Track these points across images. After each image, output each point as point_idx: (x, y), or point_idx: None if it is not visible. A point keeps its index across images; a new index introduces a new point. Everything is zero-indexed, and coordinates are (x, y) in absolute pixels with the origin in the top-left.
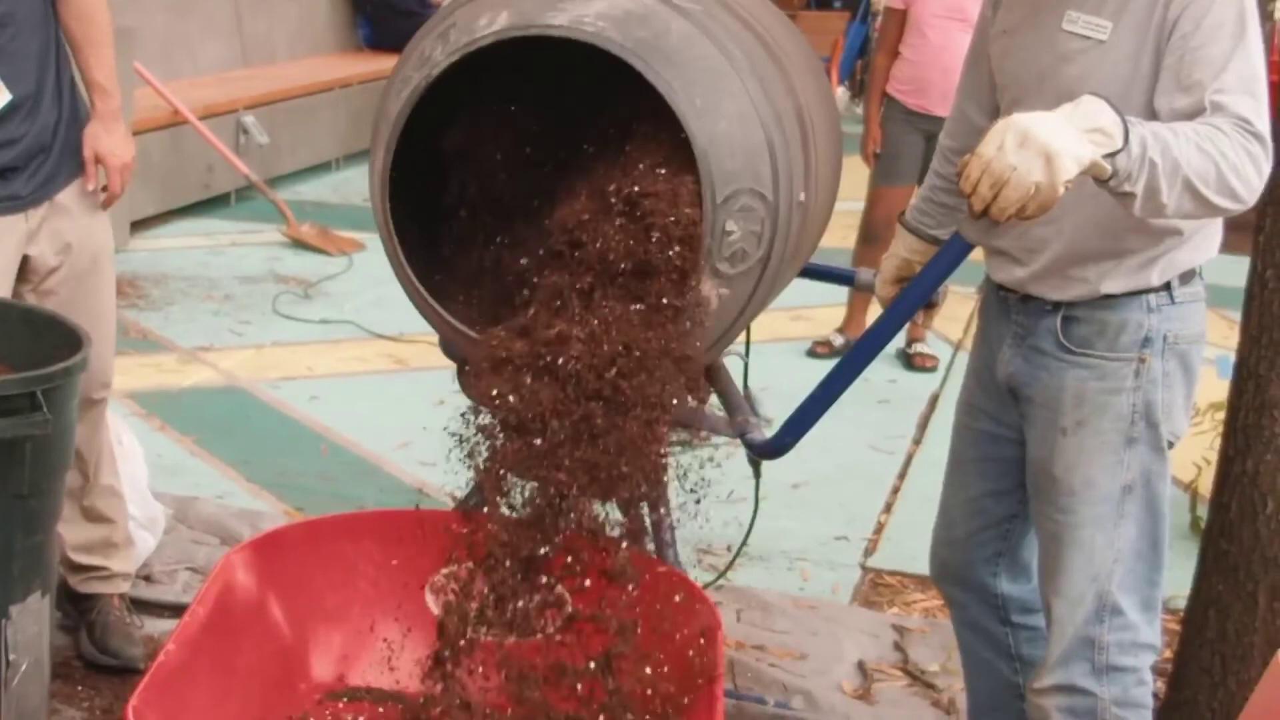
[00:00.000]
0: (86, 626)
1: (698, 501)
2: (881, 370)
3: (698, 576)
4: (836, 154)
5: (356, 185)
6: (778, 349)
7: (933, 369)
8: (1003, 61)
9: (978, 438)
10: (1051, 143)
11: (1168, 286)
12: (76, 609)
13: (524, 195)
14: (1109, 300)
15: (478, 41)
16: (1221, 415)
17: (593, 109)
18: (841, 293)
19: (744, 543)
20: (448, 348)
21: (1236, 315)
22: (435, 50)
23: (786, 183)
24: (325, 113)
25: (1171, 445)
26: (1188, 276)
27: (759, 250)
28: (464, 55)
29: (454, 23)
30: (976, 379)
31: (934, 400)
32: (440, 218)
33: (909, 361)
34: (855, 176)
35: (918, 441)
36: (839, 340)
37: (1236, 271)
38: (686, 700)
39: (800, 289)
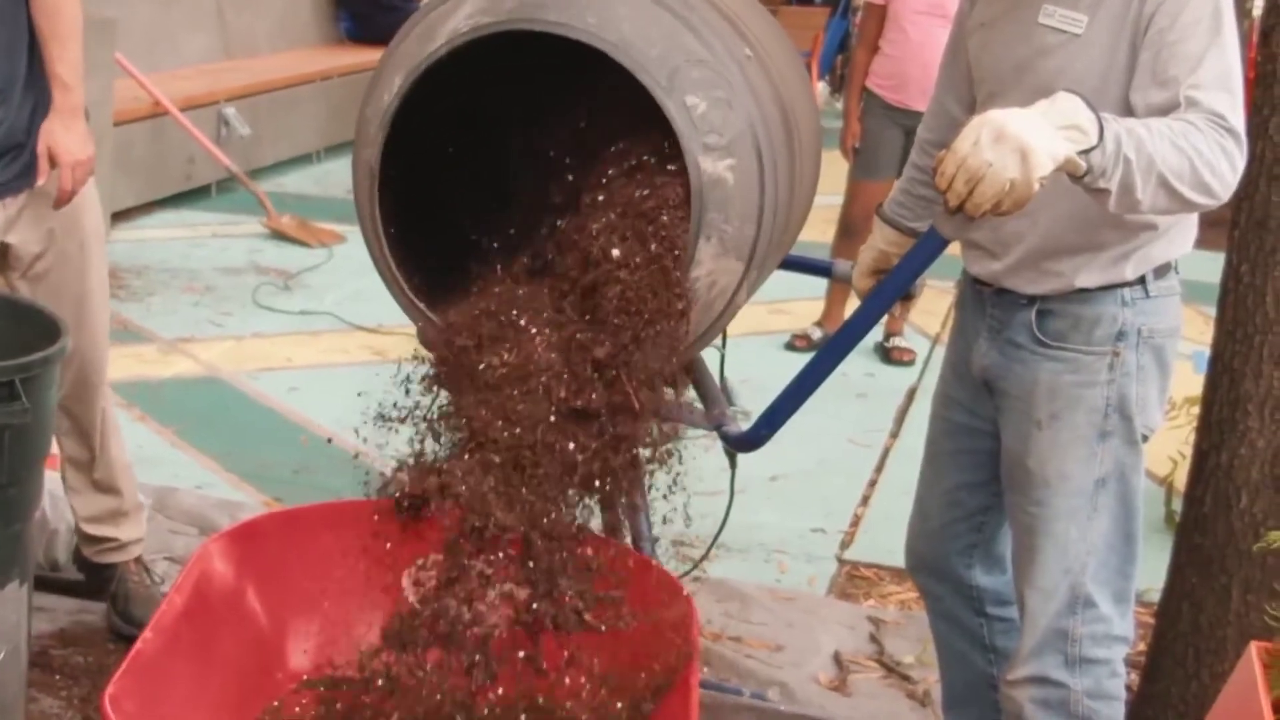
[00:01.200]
0: (110, 600)
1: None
2: (859, 364)
3: (675, 568)
4: (817, 148)
5: (337, 177)
6: (756, 342)
7: (910, 363)
8: (980, 54)
9: (953, 430)
10: (1027, 139)
11: (1142, 280)
12: (96, 579)
13: (510, 192)
14: (1083, 294)
15: (479, 31)
16: (1197, 410)
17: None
18: (819, 287)
19: (719, 533)
20: (426, 340)
21: (1212, 311)
22: (424, 46)
23: (771, 176)
24: (307, 105)
25: (1146, 439)
26: (1163, 270)
27: (748, 236)
28: (455, 48)
29: (437, 19)
30: (953, 371)
31: (911, 394)
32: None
33: (886, 355)
34: (834, 171)
35: (895, 435)
36: (817, 334)
37: (1212, 267)
38: (662, 690)
39: (778, 283)
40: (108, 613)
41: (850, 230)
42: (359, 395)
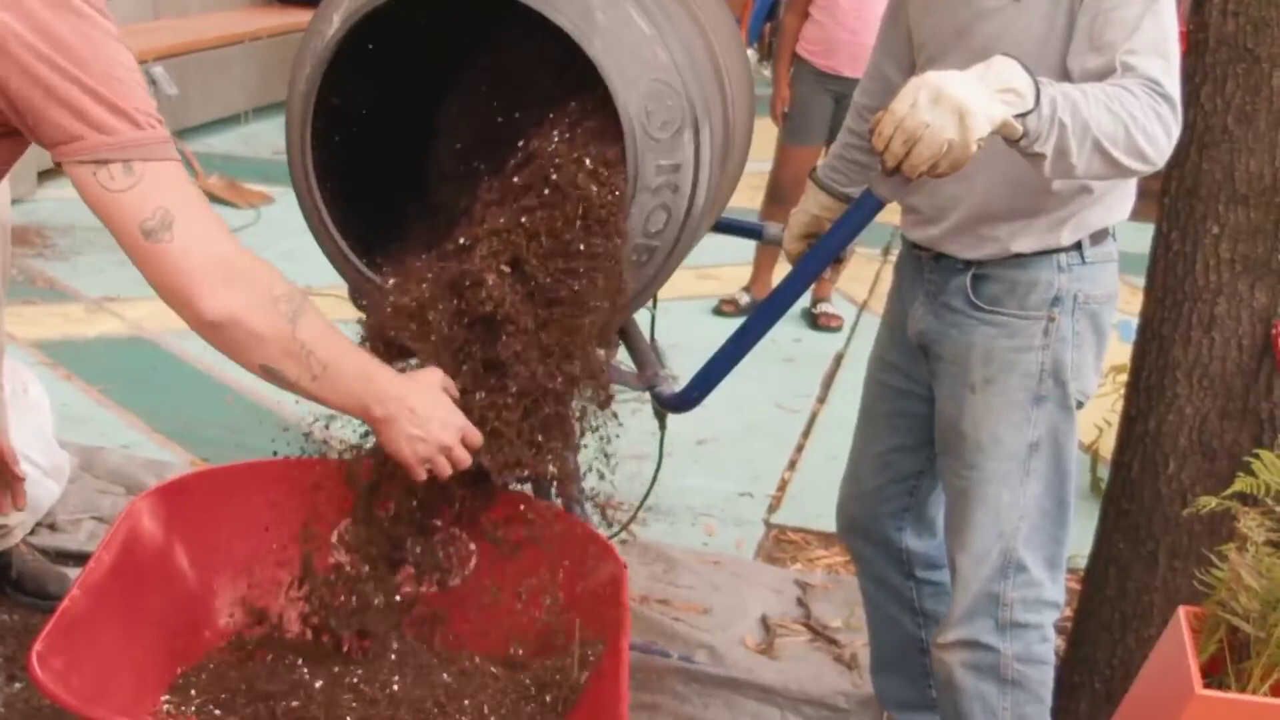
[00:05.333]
0: (11, 584)
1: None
2: (787, 329)
3: (603, 531)
4: (750, 111)
5: (265, 138)
6: (684, 307)
7: (837, 329)
8: (920, 18)
9: (888, 393)
10: (965, 101)
11: (1079, 246)
12: None
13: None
14: (1020, 259)
15: None
16: (1123, 378)
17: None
18: (747, 252)
19: (647, 495)
20: (356, 297)
21: (1140, 281)
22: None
23: (707, 132)
24: (235, 66)
25: (1081, 405)
26: (1099, 237)
27: (681, 201)
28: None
29: None
30: (889, 335)
31: (838, 359)
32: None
33: (814, 321)
34: (763, 136)
35: (822, 400)
36: (745, 299)
37: (1142, 238)
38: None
39: (707, 247)
40: (10, 597)
41: (779, 196)
42: None
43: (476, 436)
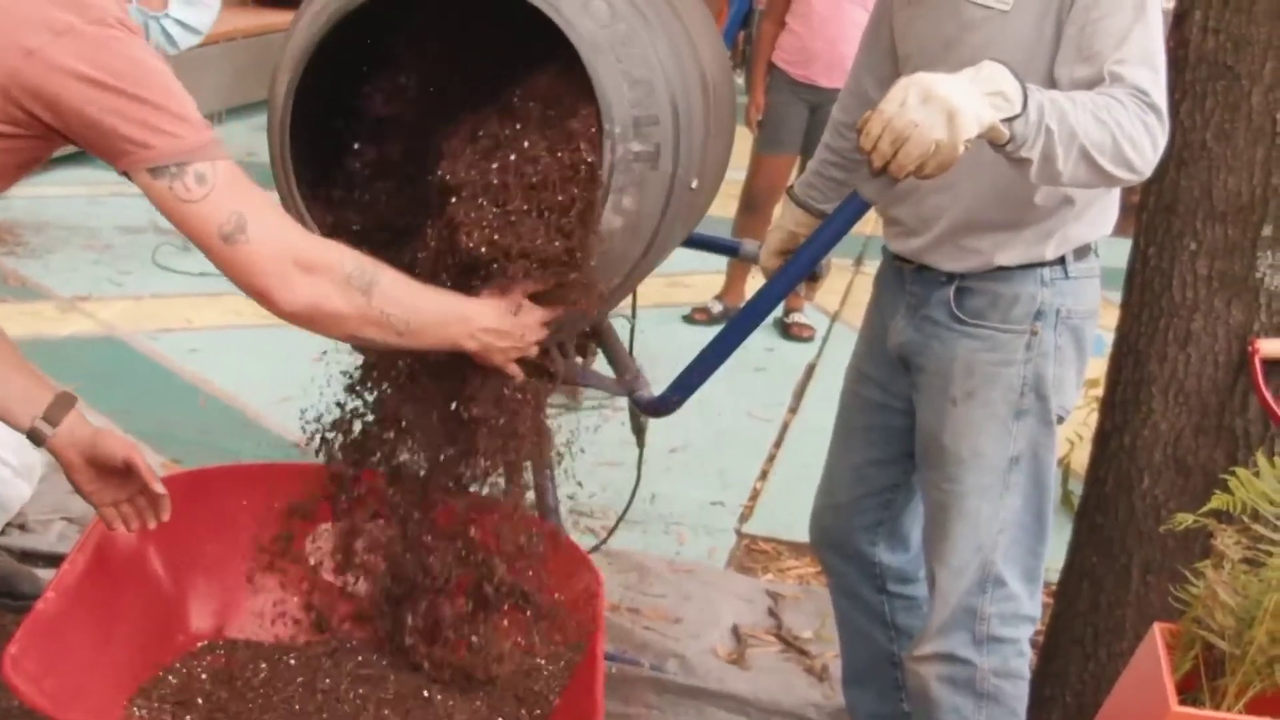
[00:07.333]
0: None
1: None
2: (759, 339)
3: (575, 539)
4: (731, 118)
5: (240, 139)
6: (656, 315)
7: (809, 339)
8: (907, 30)
9: (866, 406)
10: (954, 101)
11: (1062, 261)
12: None
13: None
14: (1003, 272)
15: None
16: (1096, 392)
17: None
18: (720, 261)
19: (627, 509)
20: None
21: (1117, 296)
22: None
23: (686, 136)
24: (210, 66)
25: (1061, 419)
26: (1082, 252)
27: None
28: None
29: None
30: (868, 347)
31: (810, 370)
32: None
33: (786, 331)
34: (737, 145)
35: (794, 410)
36: (717, 307)
37: (1119, 253)
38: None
39: (679, 256)
40: None
41: (753, 204)
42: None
43: (547, 315)
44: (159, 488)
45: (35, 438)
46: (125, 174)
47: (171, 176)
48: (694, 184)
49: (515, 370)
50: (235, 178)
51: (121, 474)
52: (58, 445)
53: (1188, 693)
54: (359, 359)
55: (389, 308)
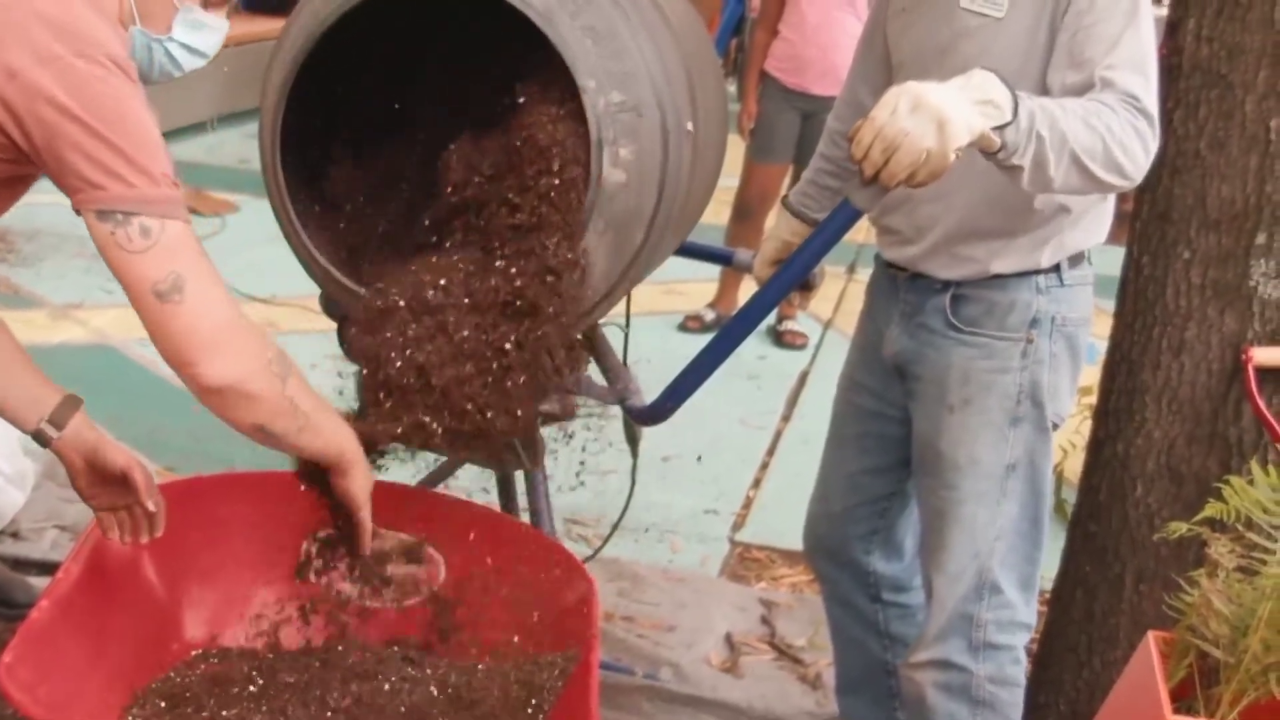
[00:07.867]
0: None
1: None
2: (751, 346)
3: (568, 547)
4: (722, 128)
5: (231, 147)
6: (649, 322)
7: (802, 347)
8: (901, 38)
9: (859, 414)
10: (945, 109)
11: (1057, 268)
12: None
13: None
14: (999, 280)
15: None
16: (1089, 400)
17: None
18: (714, 268)
19: (621, 517)
20: (329, 306)
21: (1110, 304)
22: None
23: (676, 141)
24: (200, 73)
25: (1056, 426)
26: (1077, 260)
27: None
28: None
29: None
30: (861, 356)
31: (803, 378)
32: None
33: (779, 339)
34: (730, 153)
35: (787, 418)
36: (710, 315)
37: (1111, 261)
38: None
39: (673, 263)
40: None
41: (745, 212)
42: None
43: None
44: (153, 505)
45: (40, 439)
46: (77, 211)
47: (116, 223)
48: (689, 126)
49: (367, 505)
50: (184, 242)
51: (121, 482)
52: (62, 447)
53: (1182, 701)
54: (352, 368)
55: (298, 399)
